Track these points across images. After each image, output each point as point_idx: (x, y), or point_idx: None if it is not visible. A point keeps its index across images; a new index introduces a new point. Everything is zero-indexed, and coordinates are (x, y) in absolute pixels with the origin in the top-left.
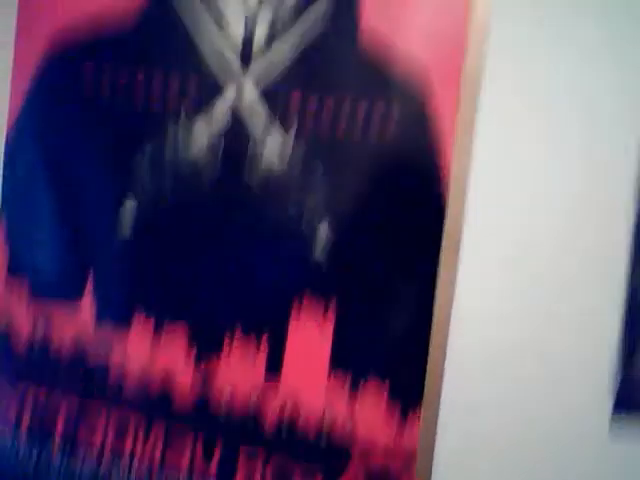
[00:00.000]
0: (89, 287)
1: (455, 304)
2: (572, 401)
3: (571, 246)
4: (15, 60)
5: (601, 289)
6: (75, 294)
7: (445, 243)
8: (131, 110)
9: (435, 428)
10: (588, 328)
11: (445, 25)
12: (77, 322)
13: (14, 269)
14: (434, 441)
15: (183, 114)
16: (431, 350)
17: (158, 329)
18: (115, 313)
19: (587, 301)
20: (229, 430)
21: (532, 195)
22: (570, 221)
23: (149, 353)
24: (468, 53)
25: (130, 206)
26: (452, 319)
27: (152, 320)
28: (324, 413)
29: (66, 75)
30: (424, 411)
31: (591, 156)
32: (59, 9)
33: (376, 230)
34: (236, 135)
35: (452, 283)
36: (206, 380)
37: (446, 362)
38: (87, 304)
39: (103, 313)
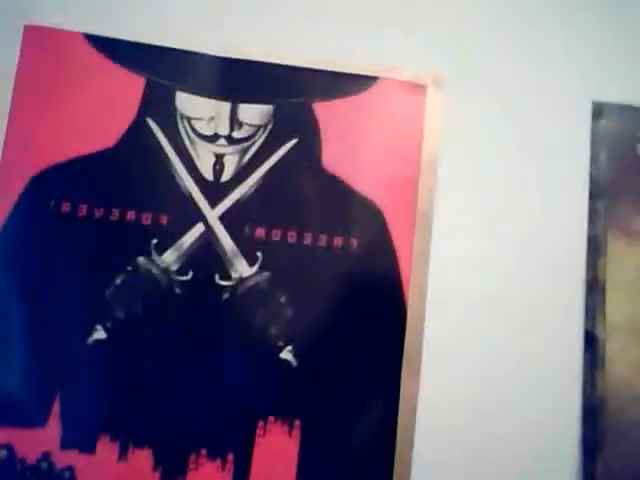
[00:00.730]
0: (55, 412)
1: (417, 422)
2: None
3: (529, 356)
4: None
5: (557, 392)
6: (41, 419)
7: (405, 364)
8: (104, 241)
9: None
10: (548, 428)
11: (399, 167)
12: (41, 447)
13: None
14: None
15: (153, 247)
16: (396, 467)
17: (123, 453)
18: (80, 438)
19: (544, 405)
20: None
21: (488, 311)
22: (526, 333)
23: (113, 477)
24: (420, 189)
25: (99, 335)
26: (415, 437)
27: (117, 444)
28: None
29: (44, 205)
30: None
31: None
32: (44, 144)
33: (338, 354)
34: (203, 269)
35: (414, 399)
36: None
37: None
38: (52, 429)
39: (68, 438)
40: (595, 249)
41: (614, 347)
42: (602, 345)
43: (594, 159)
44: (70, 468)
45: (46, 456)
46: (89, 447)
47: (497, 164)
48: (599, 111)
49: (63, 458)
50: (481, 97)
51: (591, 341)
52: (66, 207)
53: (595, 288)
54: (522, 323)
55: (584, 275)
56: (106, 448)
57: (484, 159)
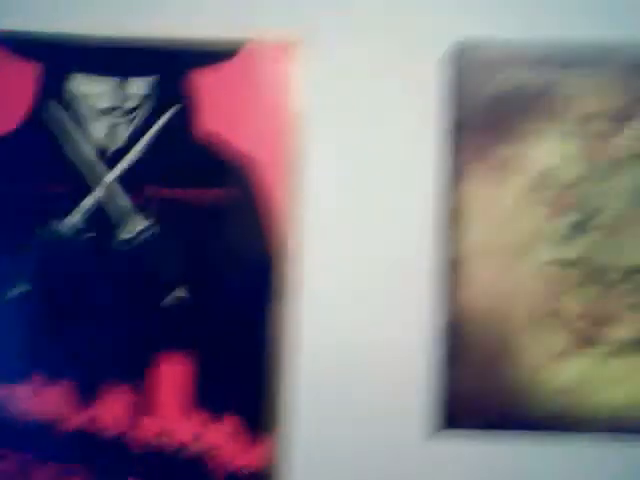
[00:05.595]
0: None
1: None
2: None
3: (395, 284)
4: None
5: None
6: None
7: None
8: (20, 210)
9: (288, 450)
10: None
11: (269, 125)
12: None
13: None
14: (290, 461)
15: (63, 212)
16: (280, 384)
17: (49, 383)
18: (11, 372)
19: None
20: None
21: (356, 242)
22: (390, 268)
23: (41, 404)
24: (289, 143)
25: (21, 288)
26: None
27: (43, 377)
28: (189, 445)
29: None
30: (277, 436)
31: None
32: None
33: (223, 291)
34: (105, 226)
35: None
36: (90, 423)
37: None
38: None
39: (2, 373)
40: (455, 179)
41: (471, 270)
42: (459, 269)
43: (456, 95)
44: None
45: None
46: (20, 380)
47: (359, 110)
48: (457, 49)
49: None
50: (343, 53)
51: (451, 266)
52: None
53: (455, 216)
54: (386, 259)
55: (442, 204)
56: (34, 381)
57: (348, 107)
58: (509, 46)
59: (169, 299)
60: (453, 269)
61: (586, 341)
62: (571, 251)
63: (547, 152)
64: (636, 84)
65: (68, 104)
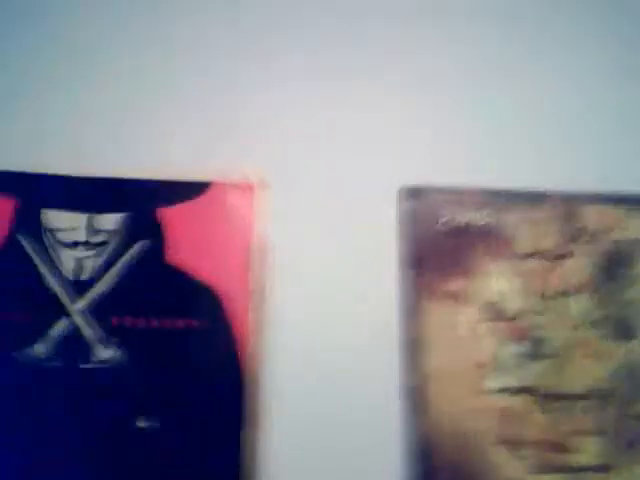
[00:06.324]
0: None
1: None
2: None
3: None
4: None
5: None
6: None
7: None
8: None
9: None
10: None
11: (234, 255)
12: None
13: None
14: None
15: (27, 341)
16: None
17: None
18: None
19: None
20: None
21: (317, 374)
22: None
23: None
24: (252, 274)
25: None
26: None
27: None
28: None
29: None
30: None
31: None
32: None
33: (188, 420)
34: (69, 355)
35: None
36: None
37: None
38: None
39: None
40: (410, 312)
41: (433, 393)
42: (421, 393)
43: (402, 236)
44: None
45: None
46: None
47: (318, 248)
48: (404, 194)
49: None
50: (300, 193)
51: (410, 391)
52: None
53: (411, 344)
54: (350, 386)
55: (401, 335)
56: None
57: (308, 246)
58: (453, 190)
59: (135, 428)
60: (414, 395)
61: (542, 468)
62: (522, 379)
63: (492, 286)
64: (568, 226)
65: (38, 239)
